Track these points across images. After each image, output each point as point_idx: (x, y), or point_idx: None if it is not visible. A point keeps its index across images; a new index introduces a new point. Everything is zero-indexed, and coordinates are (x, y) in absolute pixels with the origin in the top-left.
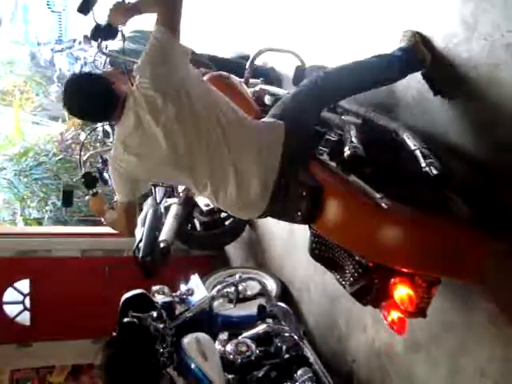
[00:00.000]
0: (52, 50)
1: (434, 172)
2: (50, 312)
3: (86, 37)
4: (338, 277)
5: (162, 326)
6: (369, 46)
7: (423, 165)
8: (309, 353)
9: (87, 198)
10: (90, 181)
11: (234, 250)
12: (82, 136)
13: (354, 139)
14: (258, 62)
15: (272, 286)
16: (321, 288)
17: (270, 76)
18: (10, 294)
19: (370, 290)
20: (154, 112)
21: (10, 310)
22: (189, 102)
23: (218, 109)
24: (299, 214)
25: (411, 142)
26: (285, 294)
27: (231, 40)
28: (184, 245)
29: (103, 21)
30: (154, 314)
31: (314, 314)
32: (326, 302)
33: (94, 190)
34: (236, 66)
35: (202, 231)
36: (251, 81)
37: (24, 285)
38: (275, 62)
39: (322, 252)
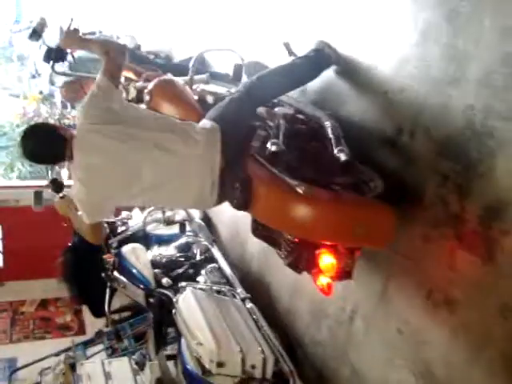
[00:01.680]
0: (10, 30)
1: (343, 158)
2: (21, 255)
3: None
4: (277, 251)
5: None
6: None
7: (335, 151)
8: (216, 254)
9: (55, 200)
10: (58, 186)
11: None
12: (43, 109)
13: (279, 134)
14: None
15: (196, 213)
16: (229, 211)
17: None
18: None
19: (301, 260)
20: (96, 148)
21: None
22: (127, 134)
23: (158, 133)
24: (234, 202)
25: (330, 130)
26: (205, 216)
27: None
28: None
29: (54, 44)
30: None
31: (225, 228)
32: (233, 220)
33: (61, 194)
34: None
35: None
36: (197, 77)
37: None
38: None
39: (262, 231)
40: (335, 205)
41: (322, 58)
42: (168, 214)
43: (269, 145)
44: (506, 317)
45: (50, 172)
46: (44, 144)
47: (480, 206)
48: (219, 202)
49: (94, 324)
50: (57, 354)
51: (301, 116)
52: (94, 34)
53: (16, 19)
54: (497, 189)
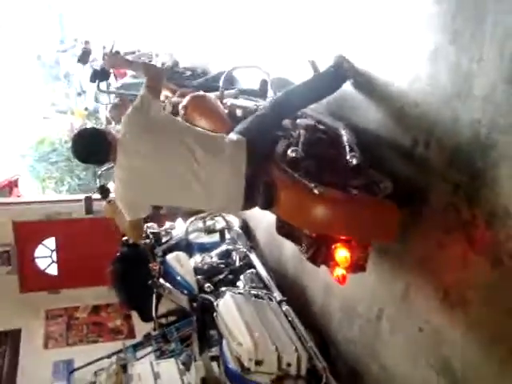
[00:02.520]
0: (57, 51)
1: (354, 162)
2: (73, 264)
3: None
4: (299, 247)
5: (148, 241)
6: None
7: (348, 157)
8: (254, 260)
9: (103, 204)
10: (105, 191)
11: None
12: (89, 125)
13: (299, 143)
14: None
15: (235, 221)
16: (266, 219)
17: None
18: (40, 251)
19: (319, 254)
20: (136, 152)
21: (42, 264)
22: (164, 141)
23: (192, 141)
24: (260, 204)
25: (345, 138)
26: (244, 224)
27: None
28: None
29: (98, 65)
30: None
31: (262, 234)
32: (269, 227)
33: (108, 199)
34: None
35: None
36: (226, 93)
37: (51, 242)
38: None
39: (285, 229)
40: (345, 203)
41: (340, 73)
42: (208, 223)
43: (289, 152)
44: None
45: (98, 180)
46: (91, 146)
47: (487, 213)
48: (248, 205)
49: (142, 328)
50: (109, 356)
51: (321, 126)
52: (133, 52)
53: (61, 39)
54: (501, 197)
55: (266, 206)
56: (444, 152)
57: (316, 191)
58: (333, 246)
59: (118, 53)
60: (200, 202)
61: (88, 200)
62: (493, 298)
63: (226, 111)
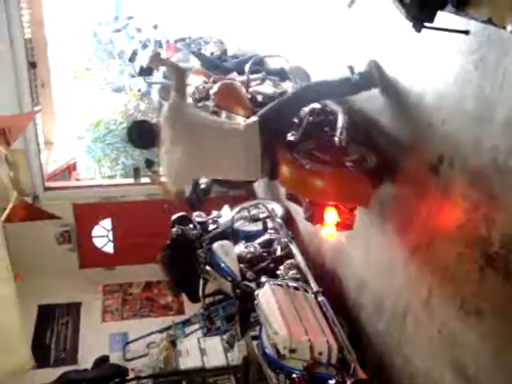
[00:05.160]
0: (111, 31)
1: (337, 143)
2: (128, 243)
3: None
4: (302, 209)
5: (195, 232)
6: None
7: (336, 139)
8: (294, 250)
9: (149, 174)
10: (150, 163)
11: (260, 190)
12: (142, 106)
13: (300, 127)
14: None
15: (279, 210)
16: None
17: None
18: (97, 230)
19: (314, 215)
20: (172, 143)
21: (99, 242)
22: (192, 132)
23: (213, 129)
24: (265, 175)
25: (340, 121)
26: (288, 215)
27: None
28: (219, 185)
29: (145, 63)
30: (191, 226)
31: (305, 226)
32: None
33: (153, 169)
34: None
35: None
36: (253, 76)
37: (107, 223)
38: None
39: (291, 196)
40: (328, 177)
41: (363, 82)
42: (253, 212)
43: (289, 135)
44: None
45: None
46: (142, 136)
47: (501, 233)
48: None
49: (191, 305)
50: (160, 331)
51: (328, 108)
52: (183, 39)
53: (115, 16)
54: None
55: (271, 178)
56: (466, 172)
57: (307, 167)
58: (324, 209)
59: (158, 54)
60: (226, 173)
61: (136, 170)
62: (504, 308)
63: (249, 96)
